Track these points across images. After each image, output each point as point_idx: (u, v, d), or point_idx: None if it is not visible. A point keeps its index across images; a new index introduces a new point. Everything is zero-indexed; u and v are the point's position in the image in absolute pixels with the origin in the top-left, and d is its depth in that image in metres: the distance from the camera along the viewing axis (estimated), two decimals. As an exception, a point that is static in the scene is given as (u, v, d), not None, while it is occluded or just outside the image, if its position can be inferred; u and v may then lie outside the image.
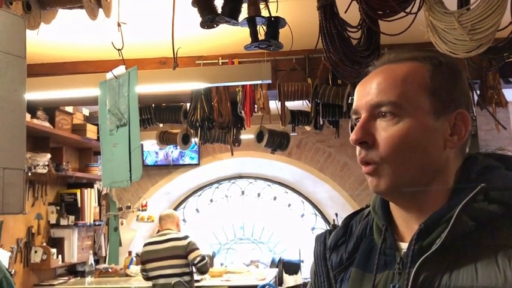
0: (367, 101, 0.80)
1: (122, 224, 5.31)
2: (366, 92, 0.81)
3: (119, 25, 1.94)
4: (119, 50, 1.94)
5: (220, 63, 3.75)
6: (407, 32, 1.93)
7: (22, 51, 1.62)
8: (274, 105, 3.91)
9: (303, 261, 5.45)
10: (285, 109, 3.72)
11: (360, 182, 5.39)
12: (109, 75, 2.01)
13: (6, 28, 1.59)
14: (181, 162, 5.72)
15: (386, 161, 0.78)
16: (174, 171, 5.72)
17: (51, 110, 4.27)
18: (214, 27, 1.98)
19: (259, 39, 2.00)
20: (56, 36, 3.25)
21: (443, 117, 0.78)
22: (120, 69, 1.97)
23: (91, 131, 4.78)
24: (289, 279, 5.23)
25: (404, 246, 0.79)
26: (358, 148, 0.82)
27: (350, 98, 3.46)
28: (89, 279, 4.68)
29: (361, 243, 0.86)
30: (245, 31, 2.13)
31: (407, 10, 1.86)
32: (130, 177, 1.85)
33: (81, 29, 3.11)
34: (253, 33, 1.94)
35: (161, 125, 4.23)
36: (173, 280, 3.90)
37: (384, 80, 0.80)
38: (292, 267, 5.32)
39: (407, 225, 0.81)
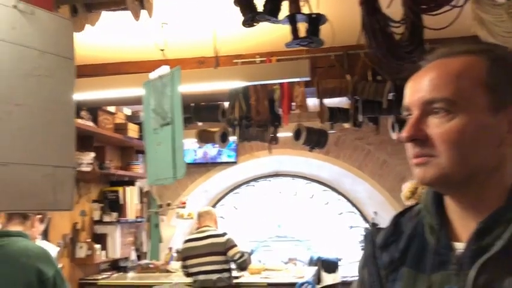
0: (419, 97, 0.79)
1: (162, 220, 5.42)
2: (418, 88, 0.79)
3: (161, 26, 1.98)
4: (162, 50, 1.98)
5: (257, 62, 3.76)
6: (452, 26, 1.88)
7: (70, 53, 1.68)
8: (312, 102, 3.89)
9: (341, 260, 5.40)
10: (323, 106, 3.69)
11: (399, 180, 5.27)
12: (153, 75, 2.06)
13: (55, 31, 1.65)
14: (219, 160, 5.77)
15: (438, 156, 0.76)
16: (212, 169, 5.78)
17: (94, 109, 4.40)
18: (255, 25, 1.99)
19: (300, 36, 1.99)
20: (98, 38, 3.35)
21: (501, 114, 0.75)
22: (164, 69, 2.01)
23: (132, 130, 4.89)
24: (327, 278, 5.19)
25: (459, 246, 0.77)
26: (409, 145, 0.80)
27: (391, 94, 3.40)
28: (131, 274, 4.81)
29: (411, 243, 0.84)
30: (281, 29, 2.12)
31: (453, 3, 1.81)
32: (175, 174, 1.89)
33: (121, 31, 3.19)
34: (294, 31, 1.94)
35: (200, 123, 4.29)
36: (213, 276, 3.94)
37: (437, 75, 0.78)
38: (330, 266, 5.27)
39: (463, 223, 0.79)
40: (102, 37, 3.33)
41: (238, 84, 2.90)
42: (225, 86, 2.85)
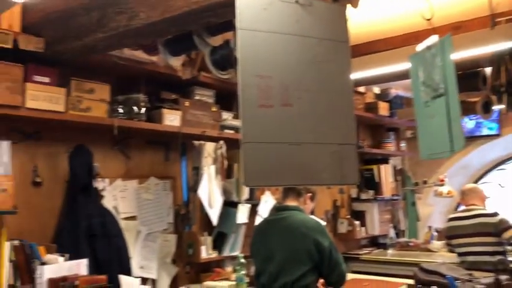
0: None
1: (419, 198, 5.29)
2: None
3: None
4: (428, 19, 1.90)
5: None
6: None
7: (345, 37, 1.77)
8: None
9: None
10: None
11: None
12: (420, 47, 2.00)
13: (330, 18, 1.76)
14: (478, 133, 5.29)
15: None
16: (470, 144, 5.33)
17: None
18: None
19: None
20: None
21: None
22: (432, 39, 1.93)
23: (382, 108, 4.89)
24: None
25: None
26: None
27: None
28: (390, 251, 4.85)
29: None
30: None
31: None
32: (452, 147, 1.80)
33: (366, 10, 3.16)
34: None
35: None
36: (484, 258, 3.64)
37: None
38: None
39: None
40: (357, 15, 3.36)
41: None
42: (499, 48, 2.56)
